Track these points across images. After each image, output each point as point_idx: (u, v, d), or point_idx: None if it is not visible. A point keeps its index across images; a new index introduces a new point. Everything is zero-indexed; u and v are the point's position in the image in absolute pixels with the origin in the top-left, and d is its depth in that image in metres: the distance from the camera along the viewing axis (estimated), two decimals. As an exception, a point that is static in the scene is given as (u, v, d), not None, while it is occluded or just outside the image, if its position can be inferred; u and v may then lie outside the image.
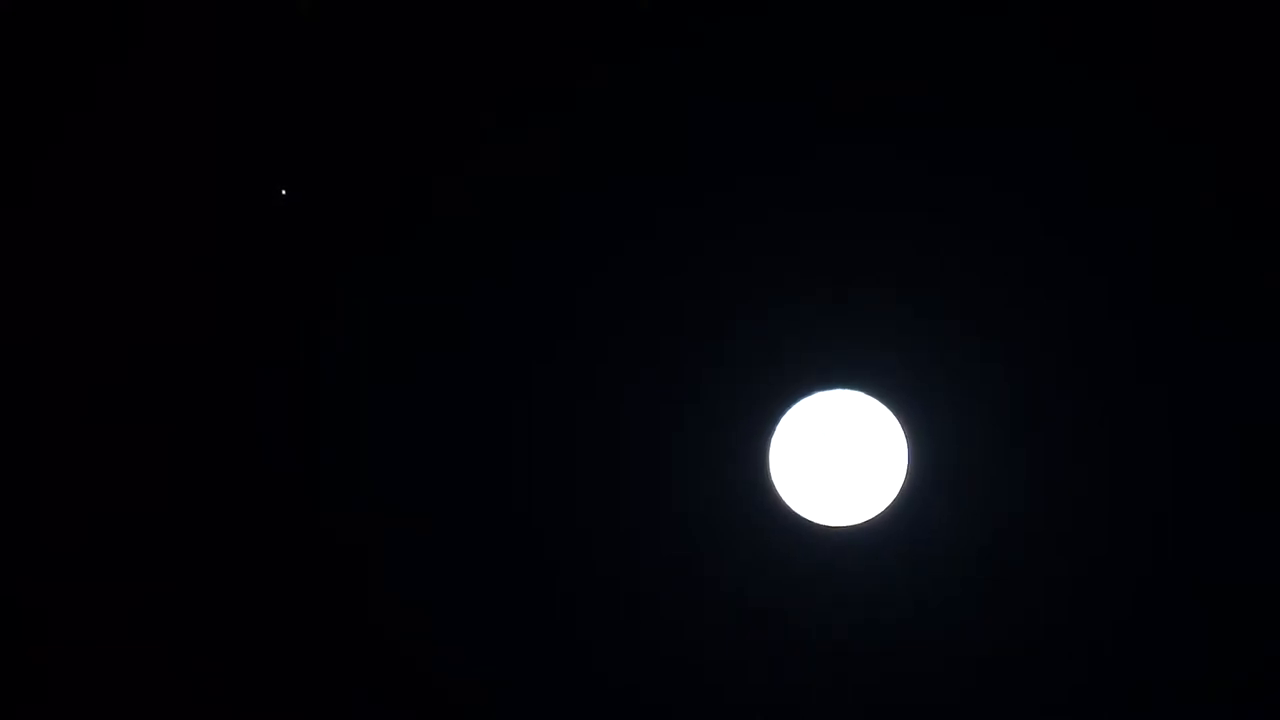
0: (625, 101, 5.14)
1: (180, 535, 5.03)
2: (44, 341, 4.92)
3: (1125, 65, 5.09)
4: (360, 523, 5.19)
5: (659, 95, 5.13)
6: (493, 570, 5.29)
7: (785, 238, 5.30)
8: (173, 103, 4.93)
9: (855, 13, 5.09)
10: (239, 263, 5.03)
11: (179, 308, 5.01)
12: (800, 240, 5.32)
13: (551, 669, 5.32)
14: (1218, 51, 5.01)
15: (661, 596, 5.45)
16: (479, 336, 5.23)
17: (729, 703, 5.42)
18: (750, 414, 5.50)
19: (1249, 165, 5.11)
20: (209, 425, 5.05)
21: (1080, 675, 5.41)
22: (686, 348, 5.41)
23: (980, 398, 5.52)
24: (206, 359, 5.06)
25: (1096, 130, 5.14)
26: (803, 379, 5.45)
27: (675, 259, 5.29)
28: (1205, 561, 5.32)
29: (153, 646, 4.92)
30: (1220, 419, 5.32)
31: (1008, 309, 5.39)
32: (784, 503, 5.53)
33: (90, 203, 4.97)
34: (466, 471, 5.26)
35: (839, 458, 5.54)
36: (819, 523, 5.53)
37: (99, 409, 4.97)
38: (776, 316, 5.40)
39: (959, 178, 5.26)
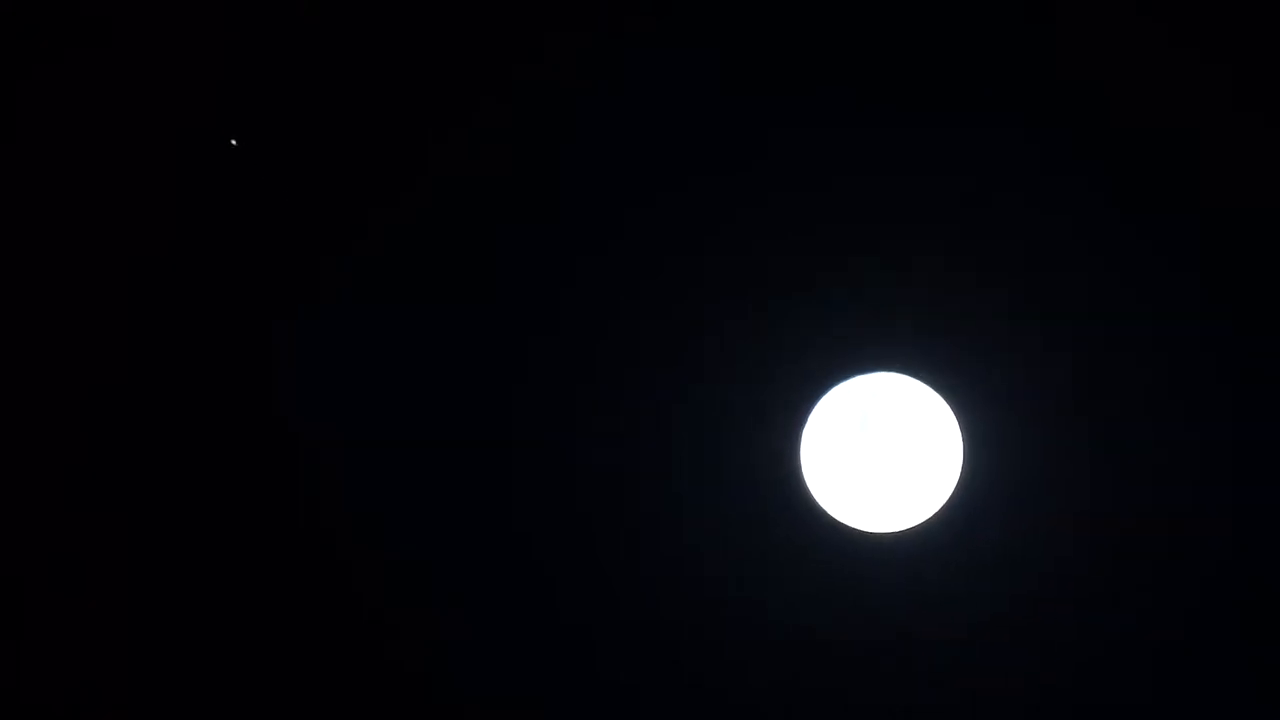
0: (659, 92, 5.09)
1: (179, 539, 5.05)
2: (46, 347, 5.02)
3: (1176, 64, 5.02)
4: (379, 523, 5.15)
5: (692, 86, 5.07)
6: (504, 574, 5.19)
7: (835, 221, 5.20)
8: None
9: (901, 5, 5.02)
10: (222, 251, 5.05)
11: (179, 307, 5.04)
12: (850, 222, 5.20)
13: (563, 673, 5.21)
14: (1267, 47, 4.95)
15: (679, 615, 5.26)
16: (500, 331, 5.18)
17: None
18: (778, 402, 5.25)
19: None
20: (211, 423, 5.08)
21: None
22: (705, 335, 5.23)
23: (1047, 385, 5.20)
24: (204, 355, 5.08)
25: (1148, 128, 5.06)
26: (839, 361, 5.24)
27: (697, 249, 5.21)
28: (1274, 567, 5.10)
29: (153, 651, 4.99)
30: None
31: (1084, 291, 5.17)
32: (818, 505, 5.24)
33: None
34: (471, 465, 5.18)
35: (882, 454, 5.27)
36: (858, 528, 5.23)
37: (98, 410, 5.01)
38: (808, 297, 5.20)
39: (1022, 165, 5.14)
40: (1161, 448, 5.17)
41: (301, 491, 5.10)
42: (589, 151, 5.11)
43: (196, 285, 5.06)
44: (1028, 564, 5.21)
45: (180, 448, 5.07)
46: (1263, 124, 5.02)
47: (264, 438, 5.08)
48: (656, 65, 5.03)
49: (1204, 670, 5.13)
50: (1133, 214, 5.11)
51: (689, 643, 5.22)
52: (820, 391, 5.23)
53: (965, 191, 5.13)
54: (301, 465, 5.11)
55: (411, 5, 5.02)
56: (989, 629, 5.21)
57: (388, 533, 5.16)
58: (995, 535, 5.21)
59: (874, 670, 5.22)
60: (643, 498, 5.23)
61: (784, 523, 5.24)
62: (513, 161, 5.10)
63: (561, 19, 5.02)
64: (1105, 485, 5.19)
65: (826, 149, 5.13)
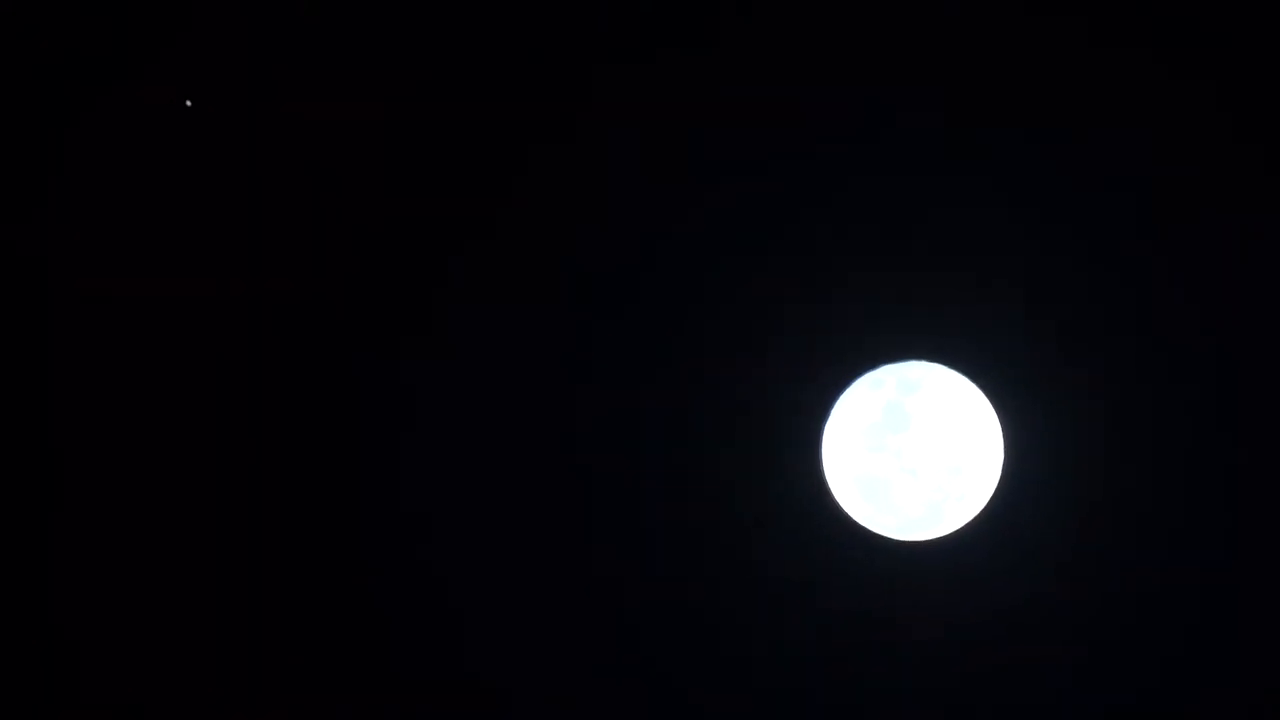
0: (690, 89, 5.19)
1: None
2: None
3: (1219, 69, 5.10)
4: (419, 510, 5.20)
5: (728, 84, 5.18)
6: (516, 573, 5.20)
7: (863, 197, 5.19)
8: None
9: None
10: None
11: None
12: (877, 197, 5.19)
13: (572, 674, 5.18)
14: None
15: (692, 632, 5.15)
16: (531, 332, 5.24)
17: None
18: (795, 395, 5.13)
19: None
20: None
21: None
22: (716, 319, 5.19)
23: (1098, 373, 5.10)
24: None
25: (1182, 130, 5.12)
26: (864, 348, 5.13)
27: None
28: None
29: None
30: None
31: (1139, 274, 5.13)
32: (842, 510, 5.10)
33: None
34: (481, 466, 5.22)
35: (913, 452, 5.12)
36: (888, 536, 5.09)
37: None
38: (830, 276, 5.16)
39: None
40: (1222, 446, 5.09)
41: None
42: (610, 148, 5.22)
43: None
44: (1076, 573, 5.08)
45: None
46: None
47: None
48: (694, 71, 5.19)
49: (1260, 678, 5.04)
50: (1185, 210, 5.12)
51: (704, 659, 5.13)
52: (843, 382, 5.12)
53: (1003, 172, 5.15)
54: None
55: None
56: (1033, 645, 5.06)
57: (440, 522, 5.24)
58: (1041, 542, 5.08)
59: (906, 690, 5.08)
60: (644, 503, 5.16)
61: (804, 529, 5.12)
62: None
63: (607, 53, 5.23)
64: (1165, 485, 5.09)
65: (861, 135, 5.19)
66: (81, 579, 5.11)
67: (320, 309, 5.20)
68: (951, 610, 5.05)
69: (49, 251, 5.16)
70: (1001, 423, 5.06)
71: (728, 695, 5.07)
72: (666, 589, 5.12)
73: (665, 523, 5.11)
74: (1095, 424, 5.07)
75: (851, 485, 5.07)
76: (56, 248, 5.15)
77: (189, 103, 4.96)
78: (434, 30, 5.19)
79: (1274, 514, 5.04)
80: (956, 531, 5.06)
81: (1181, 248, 5.08)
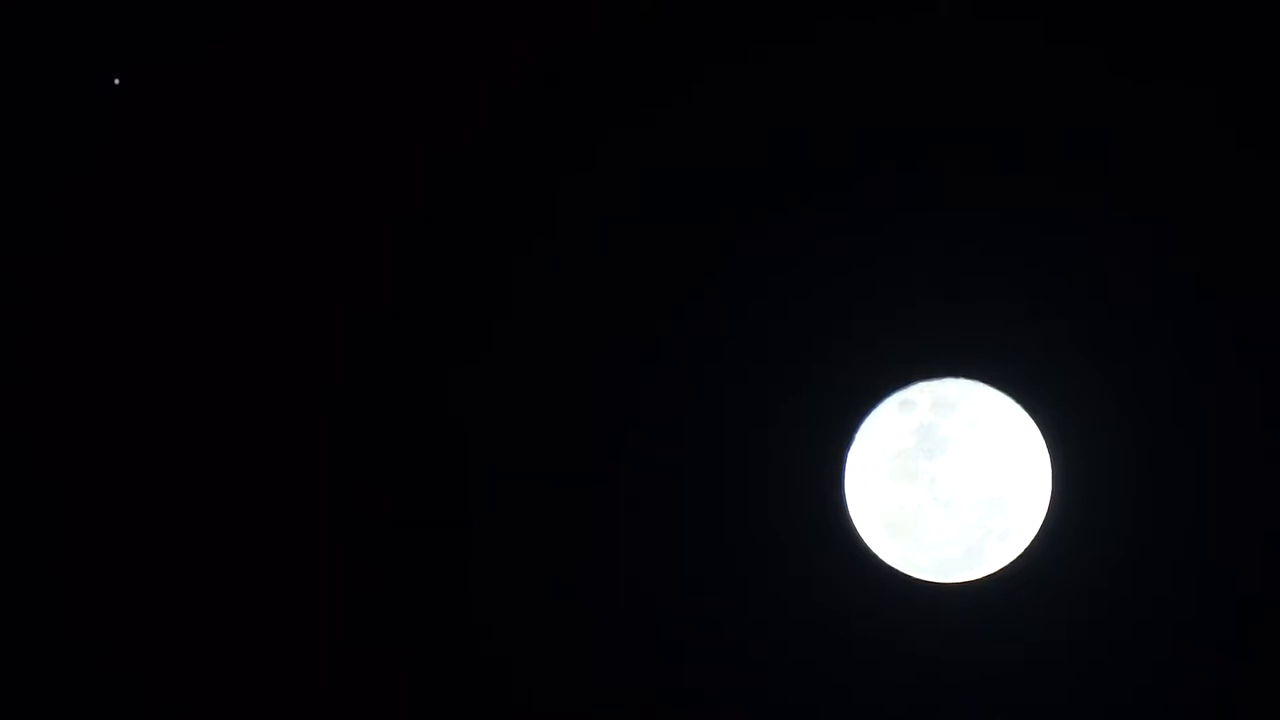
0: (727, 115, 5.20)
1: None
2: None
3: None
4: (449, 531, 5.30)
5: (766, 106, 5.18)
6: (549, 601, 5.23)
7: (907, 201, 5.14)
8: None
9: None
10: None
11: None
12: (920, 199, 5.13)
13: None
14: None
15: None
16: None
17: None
18: (815, 419, 4.98)
19: None
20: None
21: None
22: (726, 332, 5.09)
23: (1159, 393, 4.92)
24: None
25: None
26: (893, 365, 4.98)
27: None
28: None
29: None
30: None
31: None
32: (866, 547, 4.94)
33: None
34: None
35: (948, 483, 4.95)
36: (920, 578, 4.95)
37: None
38: (858, 284, 5.04)
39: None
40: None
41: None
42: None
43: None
44: (1133, 621, 4.90)
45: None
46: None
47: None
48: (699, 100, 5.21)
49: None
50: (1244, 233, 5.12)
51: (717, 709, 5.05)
52: (869, 403, 4.97)
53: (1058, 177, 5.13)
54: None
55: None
56: (1082, 702, 4.90)
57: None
58: (1093, 586, 4.94)
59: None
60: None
61: (824, 571, 4.99)
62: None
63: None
64: (1233, 516, 4.89)
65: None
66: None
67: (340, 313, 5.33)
68: (989, 663, 4.88)
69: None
70: (1050, 449, 4.94)
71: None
72: (666, 641, 4.97)
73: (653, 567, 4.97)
74: (1158, 452, 4.88)
75: (877, 520, 4.94)
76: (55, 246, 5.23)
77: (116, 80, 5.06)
78: (434, 30, 5.28)
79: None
80: (997, 573, 4.91)
81: (1243, 269, 5.03)
